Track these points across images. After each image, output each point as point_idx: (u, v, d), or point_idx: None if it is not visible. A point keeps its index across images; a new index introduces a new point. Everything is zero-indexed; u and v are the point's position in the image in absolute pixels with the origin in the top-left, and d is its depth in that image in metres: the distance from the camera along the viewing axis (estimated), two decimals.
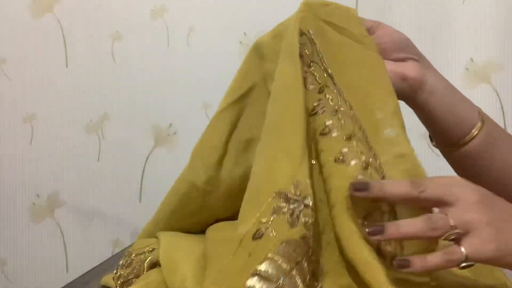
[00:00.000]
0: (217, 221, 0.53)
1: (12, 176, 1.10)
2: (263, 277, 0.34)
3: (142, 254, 0.52)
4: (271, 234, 0.35)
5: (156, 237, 0.55)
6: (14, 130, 1.10)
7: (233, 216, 0.47)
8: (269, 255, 0.35)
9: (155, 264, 0.50)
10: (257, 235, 0.36)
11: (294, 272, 0.34)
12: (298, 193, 0.37)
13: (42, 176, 1.09)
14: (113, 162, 1.07)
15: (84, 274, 0.59)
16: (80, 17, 1.07)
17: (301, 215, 0.36)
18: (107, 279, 0.53)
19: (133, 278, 0.49)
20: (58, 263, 1.10)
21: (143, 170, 1.06)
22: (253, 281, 0.34)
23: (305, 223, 0.36)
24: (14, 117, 1.10)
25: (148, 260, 0.50)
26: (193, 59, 1.04)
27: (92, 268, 0.62)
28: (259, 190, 0.39)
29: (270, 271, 0.34)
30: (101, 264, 0.64)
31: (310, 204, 0.36)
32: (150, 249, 0.52)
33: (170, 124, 1.05)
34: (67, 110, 1.08)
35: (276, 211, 0.36)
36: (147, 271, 0.49)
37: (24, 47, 1.09)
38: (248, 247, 0.36)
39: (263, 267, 0.34)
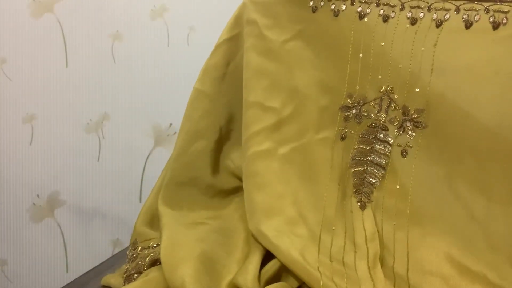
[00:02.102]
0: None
1: (12, 176, 1.10)
2: None
3: (146, 249, 0.52)
4: None
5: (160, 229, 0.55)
6: (14, 130, 1.10)
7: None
8: None
9: (155, 261, 0.50)
10: None
11: None
12: None
13: (42, 176, 1.09)
14: (113, 162, 1.07)
15: (84, 274, 0.59)
16: (80, 17, 1.07)
17: None
18: (107, 279, 0.53)
19: (134, 274, 0.50)
20: (58, 263, 1.10)
21: (143, 170, 1.06)
22: None
23: None
24: (14, 117, 1.10)
25: (149, 257, 0.50)
26: (193, 59, 1.04)
27: (92, 268, 0.62)
28: None
29: None
30: (101, 264, 0.64)
31: None
32: (154, 245, 0.52)
33: (170, 124, 1.05)
34: (67, 110, 1.08)
35: None
36: (147, 268, 0.50)
37: (24, 47, 1.09)
38: None
39: None
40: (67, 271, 1.10)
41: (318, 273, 0.42)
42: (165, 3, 1.04)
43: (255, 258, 0.46)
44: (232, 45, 0.63)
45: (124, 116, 1.06)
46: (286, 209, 0.49)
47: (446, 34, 0.48)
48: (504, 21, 0.46)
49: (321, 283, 0.41)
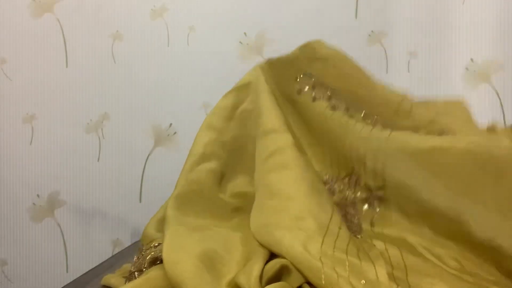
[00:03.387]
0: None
1: (12, 176, 1.10)
2: None
3: (149, 249, 0.53)
4: None
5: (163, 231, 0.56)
6: (14, 130, 1.10)
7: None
8: None
9: (156, 260, 0.51)
10: None
11: None
12: None
13: (42, 176, 1.09)
14: (113, 162, 1.07)
15: (84, 274, 0.60)
16: (80, 17, 1.07)
17: None
18: (107, 279, 0.53)
19: (135, 272, 0.50)
20: (58, 263, 1.10)
21: (143, 170, 1.06)
22: None
23: None
24: (14, 117, 1.10)
25: (150, 256, 0.51)
26: (193, 59, 1.04)
27: (92, 268, 0.62)
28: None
29: None
30: (101, 264, 0.64)
31: None
32: (156, 244, 0.53)
33: (170, 124, 1.05)
34: (67, 110, 1.08)
35: None
36: (148, 266, 0.50)
37: (24, 47, 1.09)
38: None
39: None
40: (67, 271, 1.10)
41: (320, 263, 0.43)
42: (165, 3, 1.04)
43: (259, 261, 0.46)
44: (242, 92, 0.70)
45: (124, 116, 1.06)
46: (294, 208, 0.52)
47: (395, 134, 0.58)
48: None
49: (323, 273, 0.42)
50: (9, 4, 1.09)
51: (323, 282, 0.41)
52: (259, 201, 0.55)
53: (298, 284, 0.45)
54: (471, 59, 0.97)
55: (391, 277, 0.45)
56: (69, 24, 1.08)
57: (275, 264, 0.45)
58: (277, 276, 0.46)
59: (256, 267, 0.45)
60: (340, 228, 0.51)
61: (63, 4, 1.08)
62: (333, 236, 0.49)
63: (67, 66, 1.08)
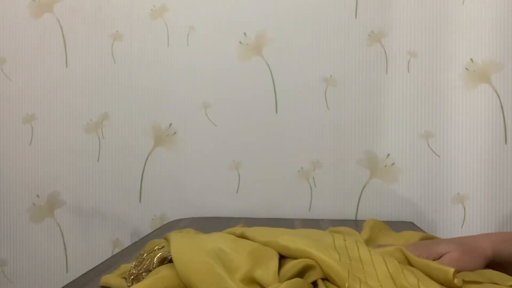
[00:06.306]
0: None
1: (12, 176, 1.10)
2: None
3: (152, 252, 0.53)
4: None
5: (166, 239, 0.56)
6: (14, 130, 1.10)
7: None
8: None
9: (164, 259, 0.50)
10: None
11: None
12: None
13: (42, 176, 1.09)
14: (113, 162, 1.07)
15: (84, 274, 0.59)
16: (80, 17, 1.07)
17: None
18: (107, 279, 0.53)
19: (143, 273, 0.50)
20: (58, 263, 1.10)
21: (143, 170, 1.06)
22: None
23: None
24: (14, 117, 1.10)
25: (158, 256, 0.51)
26: (193, 59, 1.04)
27: (92, 268, 0.62)
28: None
29: None
30: (101, 264, 0.64)
31: None
32: (160, 247, 0.53)
33: (170, 124, 1.05)
34: (67, 110, 1.08)
35: None
36: (156, 266, 0.50)
37: (24, 47, 1.09)
38: None
39: None
40: (67, 271, 1.10)
41: (341, 266, 0.43)
42: (165, 3, 1.04)
43: (274, 258, 0.47)
44: None
45: (124, 116, 1.06)
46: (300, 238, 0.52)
47: None
48: None
49: (348, 275, 0.42)
50: (9, 4, 1.09)
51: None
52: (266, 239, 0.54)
53: (312, 280, 0.45)
54: (471, 59, 0.97)
55: None
56: (69, 24, 1.08)
57: (295, 264, 0.46)
58: (299, 274, 0.46)
59: (272, 263, 0.46)
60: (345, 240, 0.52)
61: (63, 4, 1.07)
62: (343, 249, 0.50)
63: (67, 66, 1.08)
